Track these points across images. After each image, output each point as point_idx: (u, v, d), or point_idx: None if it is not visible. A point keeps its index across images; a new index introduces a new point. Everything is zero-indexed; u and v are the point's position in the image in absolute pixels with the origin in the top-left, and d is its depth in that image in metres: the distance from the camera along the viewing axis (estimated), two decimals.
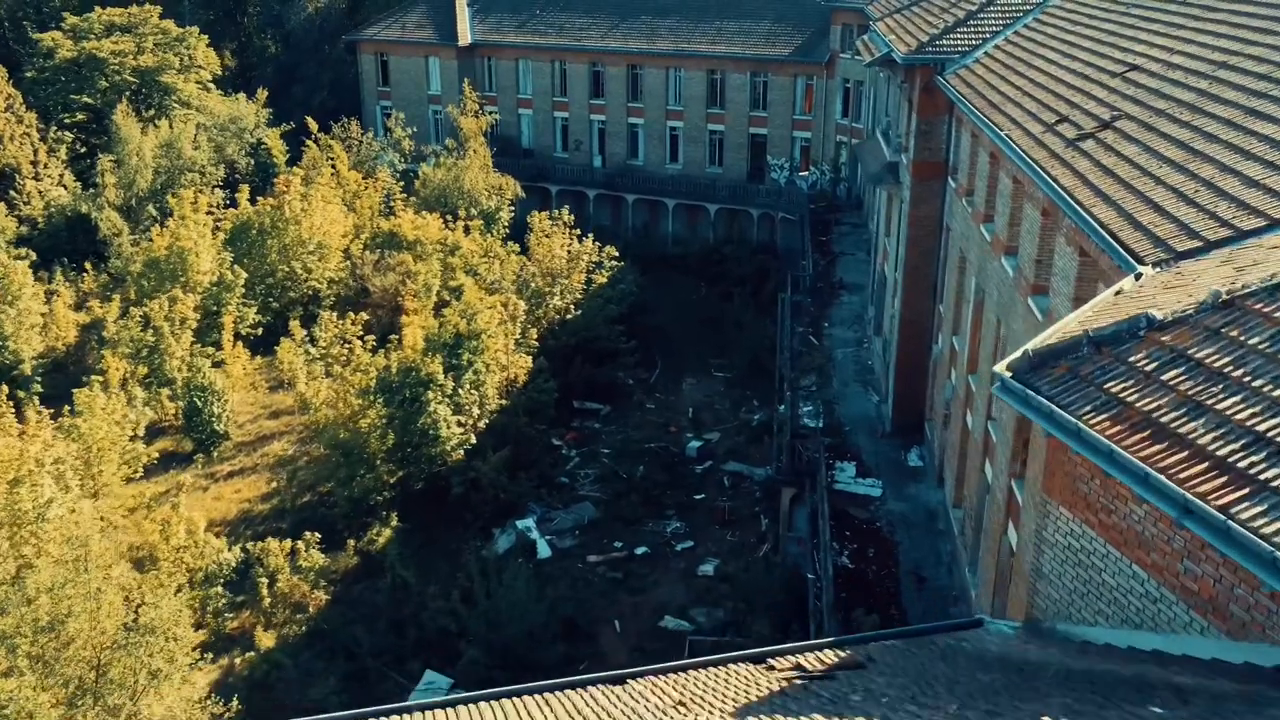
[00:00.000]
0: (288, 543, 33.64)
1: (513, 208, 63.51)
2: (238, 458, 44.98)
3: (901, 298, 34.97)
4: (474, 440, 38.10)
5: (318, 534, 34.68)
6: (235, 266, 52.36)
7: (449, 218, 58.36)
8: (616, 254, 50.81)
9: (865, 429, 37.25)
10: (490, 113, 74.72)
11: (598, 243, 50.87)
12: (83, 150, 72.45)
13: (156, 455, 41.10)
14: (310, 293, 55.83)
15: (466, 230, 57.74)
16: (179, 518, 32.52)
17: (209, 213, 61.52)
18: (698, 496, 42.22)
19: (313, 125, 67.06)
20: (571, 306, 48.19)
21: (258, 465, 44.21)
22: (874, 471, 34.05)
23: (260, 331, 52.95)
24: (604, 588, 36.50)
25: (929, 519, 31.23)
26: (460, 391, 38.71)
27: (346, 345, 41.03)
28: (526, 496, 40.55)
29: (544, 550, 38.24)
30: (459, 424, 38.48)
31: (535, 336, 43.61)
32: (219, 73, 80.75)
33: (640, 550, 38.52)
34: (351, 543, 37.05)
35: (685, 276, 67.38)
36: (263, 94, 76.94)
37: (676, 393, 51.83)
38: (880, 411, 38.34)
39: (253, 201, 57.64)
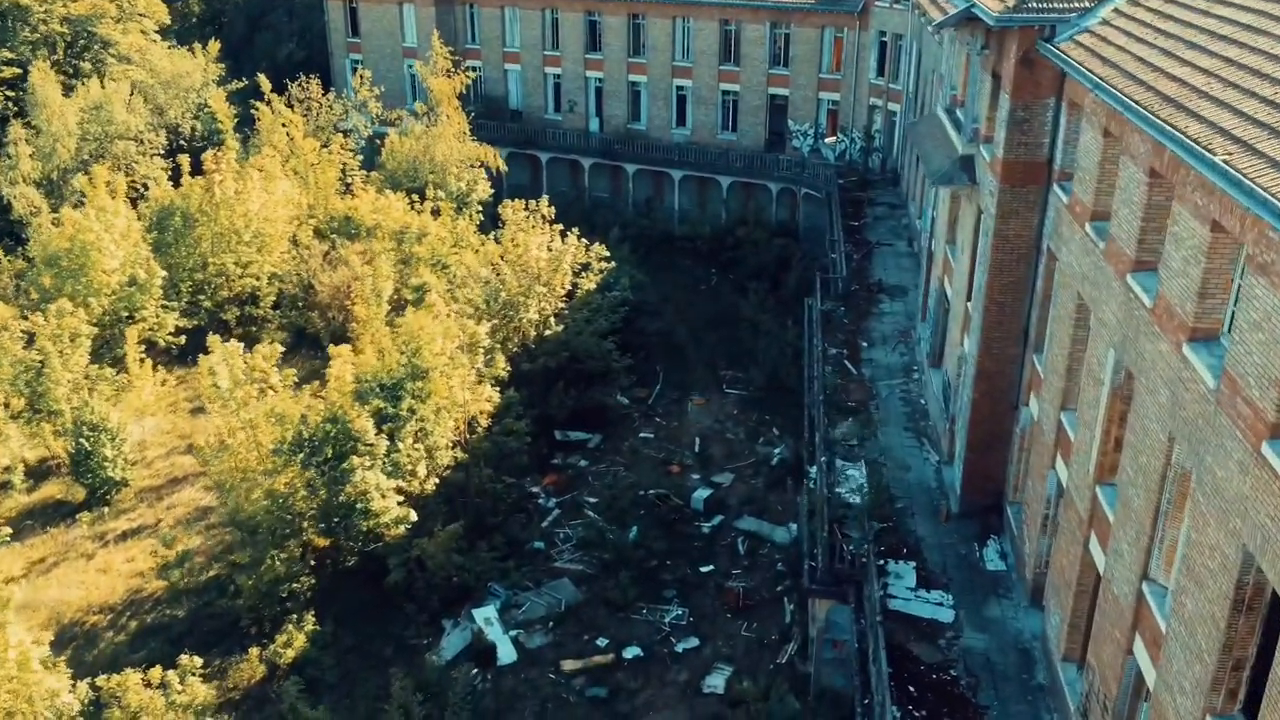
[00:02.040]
0: (156, 671, 25.23)
1: (493, 187, 54.35)
2: (138, 510, 36.56)
3: (979, 341, 26.09)
4: (414, 517, 29.47)
5: (198, 658, 26.24)
6: (152, 262, 43.65)
7: (415, 198, 49.37)
8: (607, 253, 41.68)
9: (924, 505, 28.55)
10: (472, 69, 65.37)
11: (585, 240, 41.73)
12: (13, 112, 63.23)
13: (7, 533, 32.55)
14: (248, 291, 47.11)
15: (435, 213, 48.89)
16: (4, 641, 24.13)
17: (136, 193, 52.96)
18: (705, 569, 33.69)
19: (265, 84, 57.73)
20: (552, 319, 39.32)
21: (161, 521, 35.79)
22: (940, 578, 25.41)
23: (184, 340, 44.36)
24: (582, 711, 28.13)
25: (1022, 663, 22.63)
26: (400, 447, 30.09)
27: (261, 384, 32.19)
28: (488, 575, 32.07)
29: (507, 654, 29.81)
30: (398, 491, 29.91)
31: (503, 364, 34.86)
32: (166, 21, 71.22)
33: (631, 653, 30.06)
34: (255, 651, 28.70)
35: (693, 262, 58.54)
36: (215, 46, 67.51)
37: (680, 416, 43.16)
38: (941, 478, 29.61)
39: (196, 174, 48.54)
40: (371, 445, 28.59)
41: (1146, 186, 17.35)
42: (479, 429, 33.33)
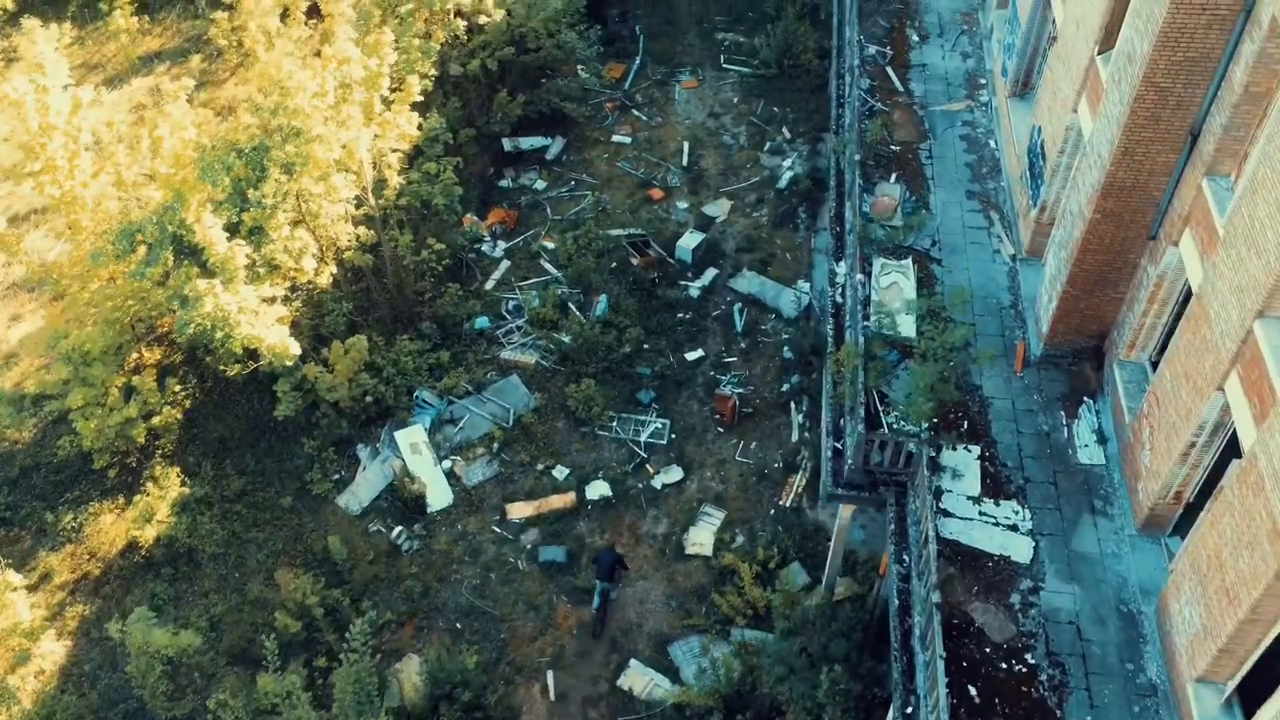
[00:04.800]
0: None
1: None
2: None
3: (1115, 138, 16.98)
4: (296, 351, 21.56)
5: (15, 574, 19.93)
6: None
7: None
8: None
9: (991, 332, 20.82)
10: None
11: None
12: None
13: None
14: None
15: None
16: None
17: None
18: (692, 355, 26.60)
19: None
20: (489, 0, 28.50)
21: None
22: (1014, 478, 18.45)
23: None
24: (535, 584, 22.38)
25: (1126, 642, 16.32)
26: (274, 238, 21.62)
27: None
28: (413, 378, 25.01)
29: (440, 496, 23.56)
30: (277, 301, 21.88)
31: (419, 83, 24.89)
32: None
33: (596, 491, 23.78)
34: (110, 520, 22.40)
35: None
36: None
37: (665, 106, 33.76)
38: (1017, 285, 21.62)
39: None
40: (224, 261, 20.13)
41: None
42: (389, 185, 24.44)
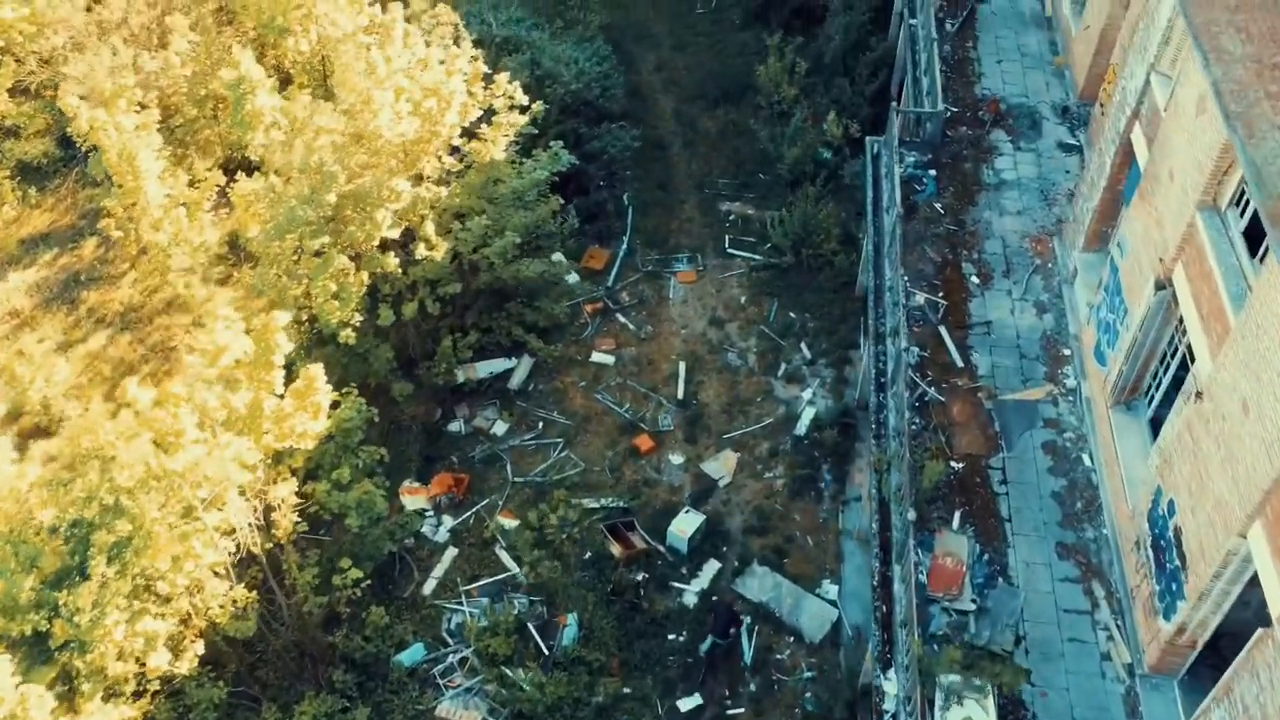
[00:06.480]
0: None
1: None
2: None
3: None
4: None
5: None
6: None
7: None
8: (526, 102, 22.94)
9: None
10: None
11: (488, 68, 22.95)
12: None
13: None
14: None
15: None
16: None
17: None
18: (687, 704, 20.41)
19: None
20: (429, 222, 22.18)
21: None
22: None
23: None
24: None
25: None
26: (101, 646, 15.51)
27: None
28: None
29: None
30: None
31: (320, 384, 18.51)
32: None
33: None
34: None
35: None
36: None
37: (658, 310, 27.71)
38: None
39: None
40: (13, 715, 14.08)
41: None
42: (279, 526, 18.27)
